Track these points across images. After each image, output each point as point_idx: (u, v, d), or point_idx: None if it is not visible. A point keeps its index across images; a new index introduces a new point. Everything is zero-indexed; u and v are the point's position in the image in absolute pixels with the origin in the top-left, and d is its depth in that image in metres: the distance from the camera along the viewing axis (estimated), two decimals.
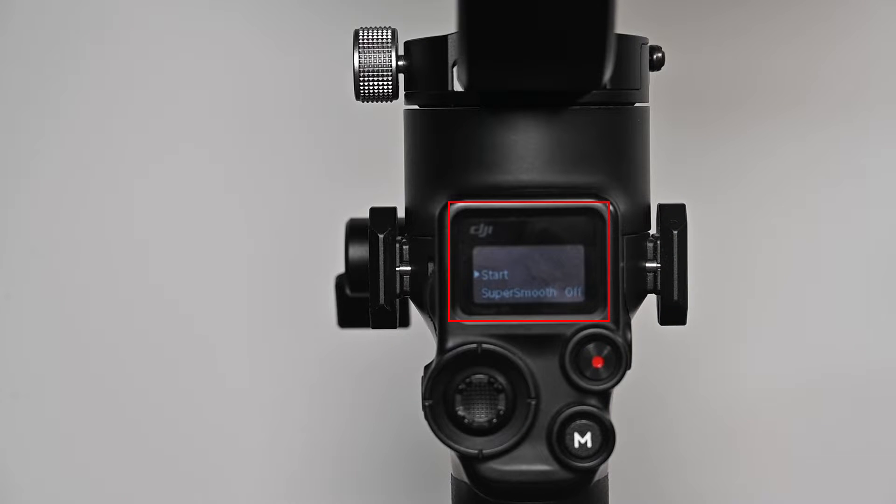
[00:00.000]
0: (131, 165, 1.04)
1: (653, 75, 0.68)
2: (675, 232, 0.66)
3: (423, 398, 0.63)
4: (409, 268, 0.66)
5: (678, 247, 0.66)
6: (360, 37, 0.67)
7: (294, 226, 1.04)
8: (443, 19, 0.65)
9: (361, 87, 0.67)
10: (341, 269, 0.71)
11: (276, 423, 1.05)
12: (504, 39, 0.57)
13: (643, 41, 0.67)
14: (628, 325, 0.64)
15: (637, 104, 0.67)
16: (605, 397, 0.63)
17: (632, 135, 0.66)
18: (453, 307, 0.63)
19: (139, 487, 1.05)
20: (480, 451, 0.63)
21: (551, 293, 0.63)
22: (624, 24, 0.61)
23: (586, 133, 0.65)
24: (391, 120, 0.73)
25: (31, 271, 1.04)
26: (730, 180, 1.03)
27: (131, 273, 1.04)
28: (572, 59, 0.59)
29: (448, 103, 0.65)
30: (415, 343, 0.79)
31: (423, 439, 0.66)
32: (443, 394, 0.63)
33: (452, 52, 0.65)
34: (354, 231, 0.70)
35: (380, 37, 0.67)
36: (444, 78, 0.65)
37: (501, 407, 0.63)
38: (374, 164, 1.00)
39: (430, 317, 0.65)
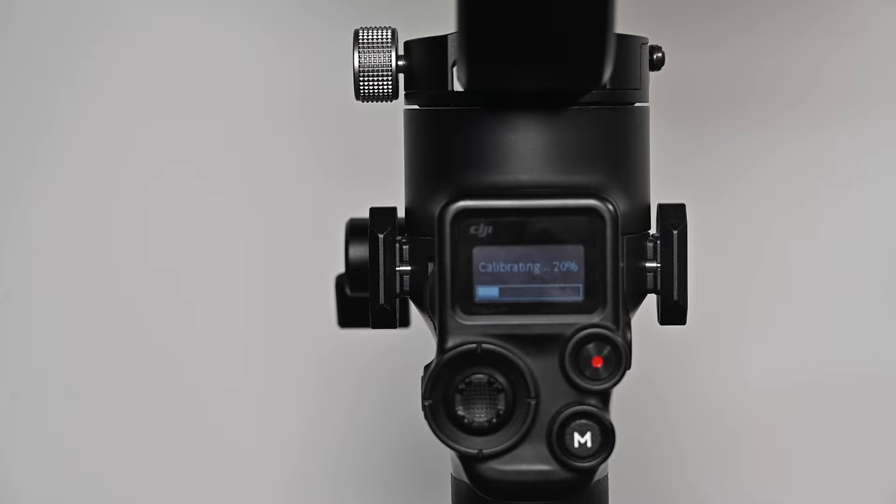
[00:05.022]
0: (131, 165, 1.04)
1: (653, 75, 0.68)
2: (675, 232, 0.66)
3: (423, 398, 0.63)
4: (409, 267, 0.66)
5: (678, 247, 0.66)
6: (360, 37, 0.67)
7: (294, 225, 1.04)
8: (443, 19, 0.65)
9: (361, 87, 0.67)
10: (341, 268, 0.71)
11: (276, 423, 1.05)
12: (504, 39, 0.57)
13: (643, 41, 0.67)
14: (628, 325, 0.64)
15: (637, 104, 0.67)
16: (604, 397, 0.63)
17: (632, 135, 0.66)
18: (453, 307, 0.63)
19: (139, 487, 1.05)
20: (480, 450, 0.63)
21: (551, 293, 0.63)
22: (624, 23, 0.61)
23: (586, 133, 0.65)
24: (391, 120, 0.73)
25: (32, 271, 1.05)
26: (730, 180, 1.03)
27: (131, 273, 1.04)
28: (572, 59, 0.59)
29: (448, 103, 0.65)
30: (415, 343, 0.79)
31: (423, 439, 0.67)
32: (443, 393, 0.63)
33: (452, 52, 0.65)
34: (354, 231, 0.70)
35: (380, 37, 0.67)
36: (444, 78, 0.65)
37: (501, 407, 0.63)
38: (374, 164, 1.00)
39: (430, 316, 0.65)
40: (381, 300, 0.66)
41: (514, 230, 0.63)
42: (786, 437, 1.05)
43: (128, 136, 1.04)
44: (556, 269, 0.63)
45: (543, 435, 0.63)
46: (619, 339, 0.62)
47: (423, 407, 0.63)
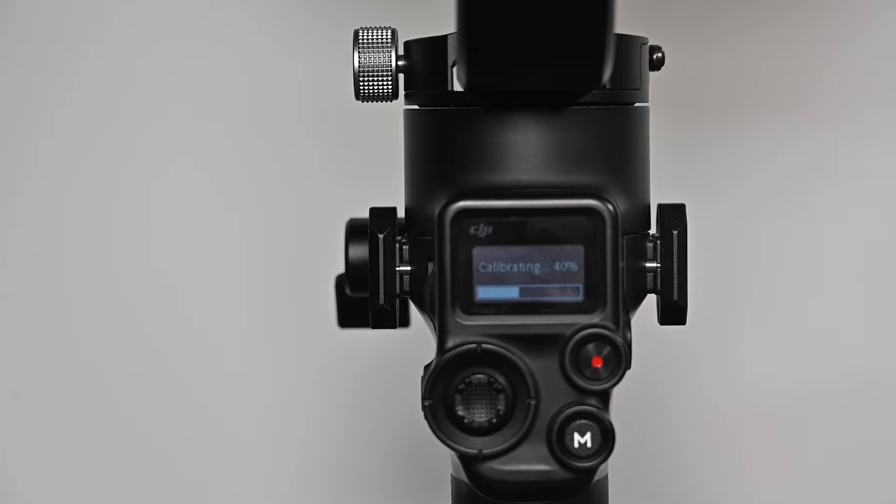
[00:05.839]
0: (132, 166, 1.04)
1: (653, 75, 0.68)
2: (675, 232, 0.66)
3: (423, 398, 0.63)
4: (408, 268, 0.66)
5: (678, 247, 0.66)
6: (360, 37, 0.67)
7: (294, 226, 1.04)
8: (442, 19, 0.65)
9: (361, 87, 0.67)
10: (341, 268, 0.71)
11: (276, 423, 1.05)
12: (503, 39, 0.57)
13: (643, 41, 0.67)
14: (628, 325, 0.64)
15: (637, 104, 0.67)
16: (604, 397, 0.63)
17: (631, 135, 0.66)
18: (453, 307, 0.63)
19: (139, 487, 1.05)
20: (480, 450, 0.63)
21: (551, 293, 0.63)
22: (624, 23, 0.61)
23: (586, 133, 0.65)
24: (391, 120, 0.73)
25: (32, 272, 1.05)
26: (730, 180, 1.03)
27: (132, 273, 1.04)
28: (572, 59, 0.59)
29: (448, 103, 0.65)
30: (415, 343, 0.79)
31: (423, 439, 0.67)
32: (443, 394, 0.63)
33: (452, 52, 0.65)
34: (354, 231, 0.70)
35: (379, 37, 0.67)
36: (444, 78, 0.65)
37: (501, 407, 0.63)
38: (374, 163, 1.00)
39: (429, 317, 0.65)
40: (381, 300, 0.66)
41: (514, 230, 0.63)
42: (786, 436, 1.05)
43: (128, 136, 1.04)
44: (556, 269, 0.63)
45: (543, 435, 0.63)
46: (619, 340, 0.62)
47: (423, 407, 0.63)
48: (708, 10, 1.02)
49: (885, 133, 1.03)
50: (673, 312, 0.66)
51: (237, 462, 1.05)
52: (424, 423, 0.63)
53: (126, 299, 1.05)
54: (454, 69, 0.65)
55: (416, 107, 0.67)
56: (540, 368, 0.63)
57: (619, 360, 0.62)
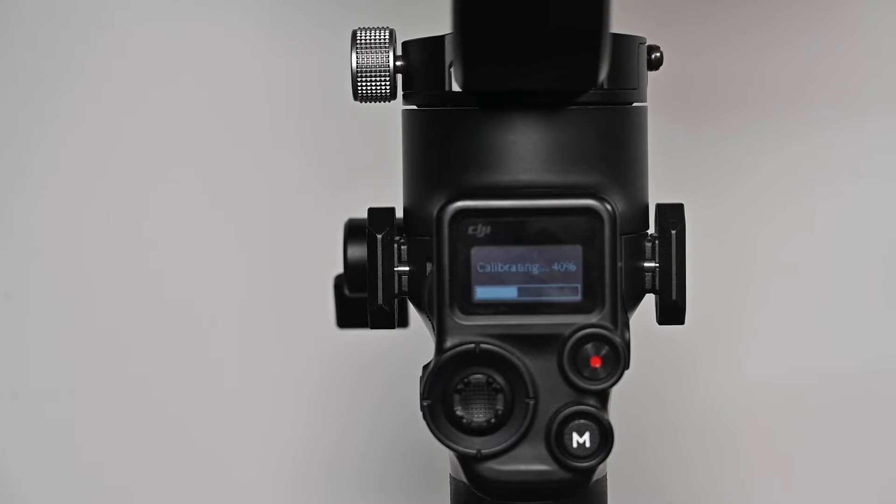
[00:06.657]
0: (131, 166, 1.04)
1: (651, 75, 0.68)
2: (674, 232, 0.66)
3: (422, 398, 0.63)
4: (407, 268, 0.66)
5: (676, 246, 0.66)
6: (358, 37, 0.67)
7: (293, 226, 1.04)
8: (440, 20, 0.65)
9: (359, 88, 0.67)
10: (340, 269, 0.71)
11: (275, 423, 1.05)
12: (499, 40, 0.57)
13: (641, 41, 0.67)
14: (626, 325, 0.64)
15: (635, 104, 0.67)
16: (603, 397, 0.63)
17: (630, 134, 0.66)
18: (451, 307, 0.63)
19: (139, 486, 1.05)
20: (479, 450, 0.63)
21: (549, 293, 0.63)
22: (622, 23, 0.61)
23: (584, 133, 0.65)
24: (389, 120, 0.73)
25: (32, 271, 1.05)
26: (728, 180, 1.03)
27: (131, 272, 1.04)
28: (567, 59, 0.59)
29: (446, 103, 0.65)
30: (413, 343, 0.79)
31: (422, 439, 0.67)
32: (441, 394, 0.63)
33: (449, 53, 0.65)
34: (353, 231, 0.70)
35: (377, 37, 0.67)
36: (442, 78, 0.65)
37: (500, 407, 0.63)
38: (373, 164, 1.00)
39: (428, 317, 0.65)
40: (380, 300, 0.66)
41: (512, 230, 0.63)
42: (784, 435, 1.05)
43: (127, 137, 1.04)
44: (554, 269, 0.63)
45: (542, 435, 0.63)
46: (617, 339, 0.62)
47: (422, 407, 0.63)
48: (706, 9, 1.02)
49: (882, 133, 1.03)
50: (671, 312, 0.66)
51: (236, 461, 1.05)
52: (423, 423, 0.63)
53: (126, 299, 1.05)
54: (451, 69, 0.65)
55: (415, 107, 0.67)
56: (538, 368, 0.63)
57: (618, 359, 0.62)
